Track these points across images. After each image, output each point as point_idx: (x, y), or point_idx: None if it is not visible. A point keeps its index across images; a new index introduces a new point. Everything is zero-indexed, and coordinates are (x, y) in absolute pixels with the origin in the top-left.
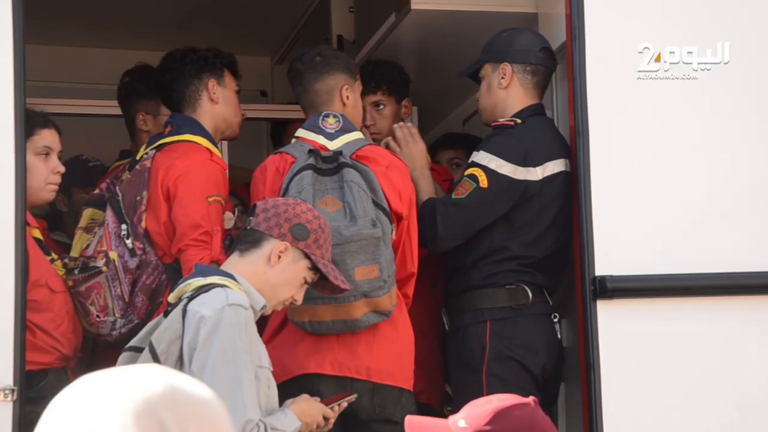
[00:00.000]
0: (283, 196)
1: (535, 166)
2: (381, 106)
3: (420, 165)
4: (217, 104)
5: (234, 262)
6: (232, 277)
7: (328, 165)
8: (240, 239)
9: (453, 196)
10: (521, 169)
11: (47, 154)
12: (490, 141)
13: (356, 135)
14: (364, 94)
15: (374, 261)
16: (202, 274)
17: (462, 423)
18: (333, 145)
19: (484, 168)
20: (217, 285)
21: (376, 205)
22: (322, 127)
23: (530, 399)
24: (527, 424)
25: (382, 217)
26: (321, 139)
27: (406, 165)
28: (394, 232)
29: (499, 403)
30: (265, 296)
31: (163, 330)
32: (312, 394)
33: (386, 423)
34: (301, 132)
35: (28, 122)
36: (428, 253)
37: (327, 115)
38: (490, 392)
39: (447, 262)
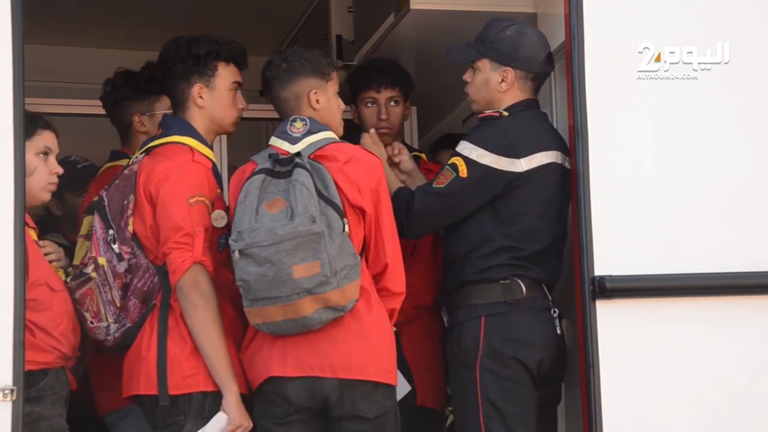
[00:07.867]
0: (241, 202)
1: (520, 157)
2: (396, 102)
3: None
4: (204, 108)
5: None
6: None
7: (284, 167)
8: None
9: (434, 185)
10: (504, 159)
11: (46, 155)
12: (474, 131)
13: (323, 135)
14: (381, 89)
15: (315, 257)
16: None
17: None
18: (294, 149)
19: (465, 158)
20: None
21: (327, 200)
22: (289, 132)
23: None
24: None
25: (331, 212)
26: (285, 145)
27: (378, 159)
28: (346, 227)
29: None
30: None
31: None
32: (280, 397)
33: (356, 420)
34: (271, 139)
35: (29, 123)
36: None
37: (295, 120)
38: (484, 388)
39: (443, 257)
